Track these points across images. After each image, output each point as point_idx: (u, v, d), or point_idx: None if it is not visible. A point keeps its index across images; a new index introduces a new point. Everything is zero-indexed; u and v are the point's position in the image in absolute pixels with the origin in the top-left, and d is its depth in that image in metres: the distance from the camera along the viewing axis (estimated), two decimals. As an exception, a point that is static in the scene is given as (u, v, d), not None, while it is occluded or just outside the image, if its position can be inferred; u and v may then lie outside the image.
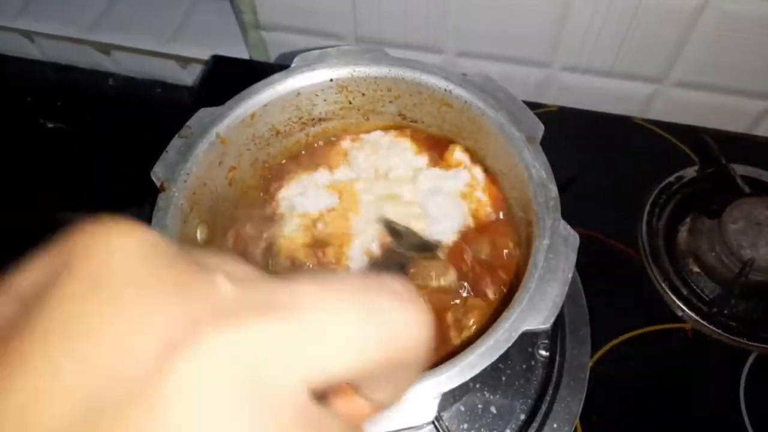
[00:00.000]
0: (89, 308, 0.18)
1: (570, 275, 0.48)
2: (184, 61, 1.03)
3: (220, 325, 0.18)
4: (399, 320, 0.22)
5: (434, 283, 0.58)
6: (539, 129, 0.56)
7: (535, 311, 0.46)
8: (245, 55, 1.02)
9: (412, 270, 0.57)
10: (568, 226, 0.50)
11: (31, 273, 0.19)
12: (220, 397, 0.17)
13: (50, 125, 1.02)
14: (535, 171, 0.53)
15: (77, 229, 0.20)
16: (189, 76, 1.06)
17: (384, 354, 0.21)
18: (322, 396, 0.22)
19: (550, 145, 0.56)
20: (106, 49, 1.05)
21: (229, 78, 0.97)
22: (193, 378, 0.17)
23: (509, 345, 0.45)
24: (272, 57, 1.02)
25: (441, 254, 0.59)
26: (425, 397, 0.43)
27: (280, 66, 0.62)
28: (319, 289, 0.21)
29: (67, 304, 0.18)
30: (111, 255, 0.19)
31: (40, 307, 0.18)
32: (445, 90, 0.59)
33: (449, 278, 0.58)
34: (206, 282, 0.19)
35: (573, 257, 0.49)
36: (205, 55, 1.01)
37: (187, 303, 0.19)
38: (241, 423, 0.17)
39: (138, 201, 0.62)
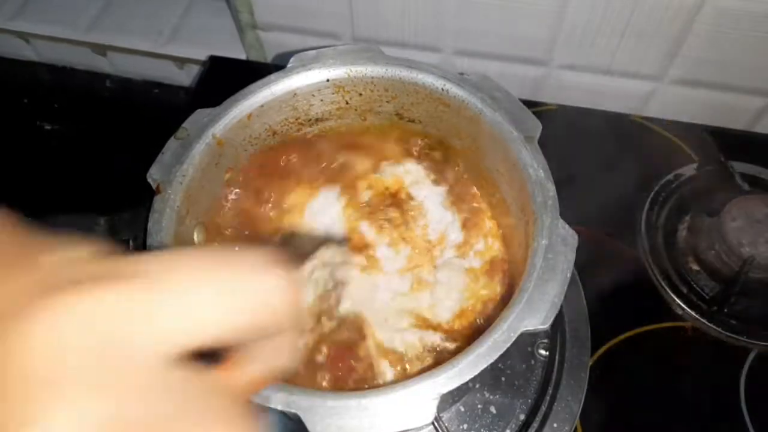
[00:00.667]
0: None
1: (569, 275, 0.47)
2: (181, 61, 1.03)
3: (72, 288, 0.19)
4: (257, 288, 0.23)
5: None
6: (537, 128, 0.55)
7: (533, 311, 0.46)
8: (242, 56, 1.01)
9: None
10: (567, 226, 0.50)
11: None
12: (69, 364, 0.18)
13: (47, 127, 1.02)
14: (533, 171, 0.53)
15: None
16: (186, 77, 1.06)
17: (246, 319, 0.23)
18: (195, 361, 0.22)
19: (548, 144, 0.55)
20: (102, 50, 1.05)
21: (227, 78, 0.97)
22: (29, 351, 0.17)
23: (508, 345, 0.44)
24: (269, 57, 1.01)
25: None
26: (424, 398, 0.43)
27: (277, 66, 0.61)
28: (176, 262, 0.22)
29: None
30: None
31: None
32: (442, 89, 0.59)
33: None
34: (62, 250, 0.20)
35: (572, 257, 0.48)
36: (202, 55, 1.01)
37: (15, 280, 0.19)
38: (88, 387, 0.18)
39: (135, 202, 0.62)
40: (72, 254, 0.21)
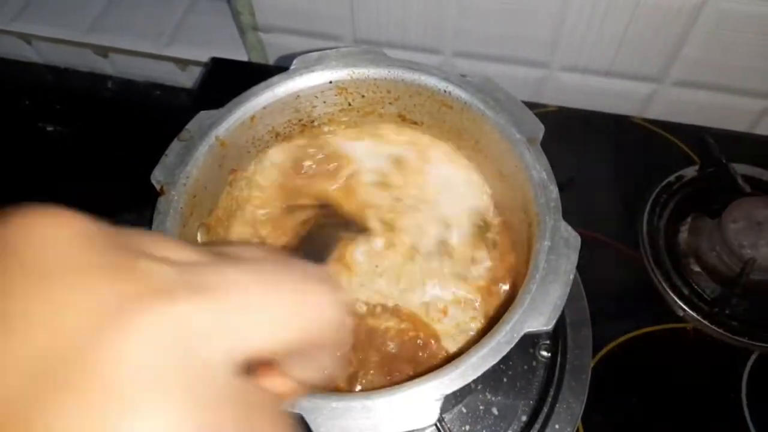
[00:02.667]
0: (18, 288, 0.19)
1: (571, 276, 0.48)
2: (183, 63, 1.03)
3: (155, 301, 0.19)
4: (315, 304, 0.25)
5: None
6: (540, 130, 0.56)
7: (536, 313, 0.46)
8: (244, 57, 1.02)
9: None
10: (569, 227, 0.50)
11: None
12: (153, 371, 0.18)
13: (48, 128, 1.02)
14: (535, 172, 0.53)
15: (10, 215, 0.20)
16: (188, 79, 1.06)
17: (303, 334, 0.24)
18: (246, 372, 0.23)
19: (549, 146, 0.55)
20: (104, 51, 1.05)
21: (228, 80, 0.97)
22: (130, 350, 0.18)
23: (511, 347, 0.45)
24: (271, 59, 1.01)
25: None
26: (427, 399, 0.43)
27: (279, 68, 0.62)
28: (249, 275, 0.23)
29: None
30: (43, 240, 0.20)
31: None
32: (445, 91, 0.59)
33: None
34: (136, 265, 0.20)
35: (574, 258, 0.49)
36: (204, 57, 1.01)
37: (116, 284, 0.19)
38: (173, 395, 0.18)
39: (136, 204, 0.62)
40: (163, 259, 0.21)
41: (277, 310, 0.23)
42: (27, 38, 1.06)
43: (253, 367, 0.24)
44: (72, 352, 0.17)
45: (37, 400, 0.17)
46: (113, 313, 0.18)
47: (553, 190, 0.52)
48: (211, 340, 0.20)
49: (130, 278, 0.20)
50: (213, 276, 0.22)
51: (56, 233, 0.20)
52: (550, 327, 0.45)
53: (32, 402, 0.17)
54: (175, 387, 0.18)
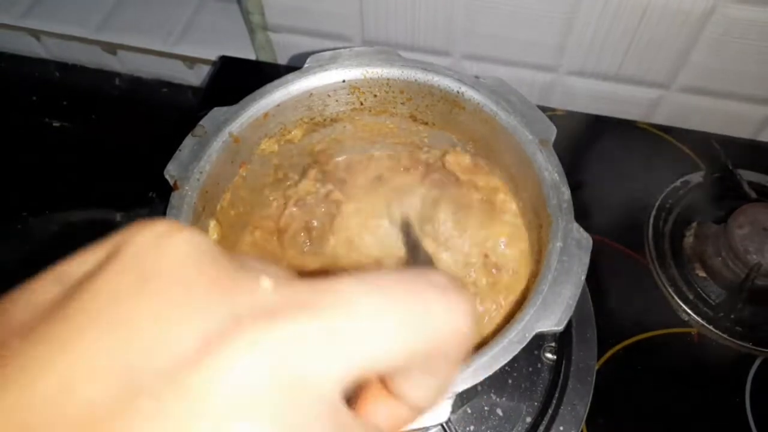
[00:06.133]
0: (132, 298, 0.18)
1: (583, 277, 0.48)
2: (191, 61, 1.03)
3: (261, 320, 0.18)
4: (440, 311, 0.22)
5: None
6: (552, 131, 0.56)
7: (548, 313, 0.46)
8: (252, 56, 1.02)
9: None
10: (581, 229, 0.50)
11: (77, 262, 0.20)
12: (254, 390, 0.18)
13: (56, 124, 1.02)
14: (548, 173, 0.53)
15: (128, 228, 0.20)
16: (195, 77, 1.06)
17: (425, 345, 0.21)
18: (351, 398, 0.22)
19: (556, 150, 0.56)
20: (112, 48, 1.05)
21: (237, 79, 0.98)
22: (229, 369, 0.17)
23: (522, 346, 0.45)
24: (279, 58, 1.02)
25: None
26: (439, 397, 0.43)
27: (287, 67, 0.62)
28: (361, 286, 0.21)
29: (111, 292, 0.18)
30: (159, 252, 0.19)
31: (82, 291, 0.18)
32: (457, 92, 0.59)
33: None
34: (250, 281, 0.20)
35: (586, 259, 0.49)
36: (212, 55, 1.01)
37: (230, 299, 0.19)
38: (269, 416, 0.18)
39: (143, 200, 0.62)
40: (261, 284, 0.20)
41: (399, 323, 0.20)
42: (36, 34, 1.06)
43: (361, 396, 0.23)
44: (169, 365, 0.17)
45: (124, 408, 0.16)
46: (221, 333, 0.18)
47: (565, 192, 0.52)
48: (320, 363, 0.19)
49: (243, 294, 0.19)
50: (324, 293, 0.20)
51: (173, 245, 0.20)
52: (561, 327, 0.46)
53: (119, 408, 0.16)
54: (269, 412, 0.18)
